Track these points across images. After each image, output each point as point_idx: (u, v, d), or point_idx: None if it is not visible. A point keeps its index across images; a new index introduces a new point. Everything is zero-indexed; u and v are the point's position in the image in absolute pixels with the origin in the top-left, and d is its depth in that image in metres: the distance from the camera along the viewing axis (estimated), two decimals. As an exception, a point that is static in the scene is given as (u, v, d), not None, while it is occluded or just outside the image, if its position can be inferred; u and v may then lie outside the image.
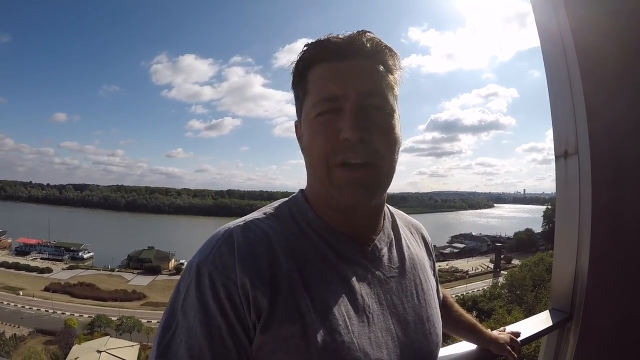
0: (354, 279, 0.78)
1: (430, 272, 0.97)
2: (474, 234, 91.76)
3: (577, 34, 1.45)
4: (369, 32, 0.77)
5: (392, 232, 0.91)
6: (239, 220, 0.78)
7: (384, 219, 0.90)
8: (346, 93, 0.72)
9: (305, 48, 0.78)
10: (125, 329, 31.94)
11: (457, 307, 1.25)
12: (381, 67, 0.77)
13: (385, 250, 0.86)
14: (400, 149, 0.79)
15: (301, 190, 0.87)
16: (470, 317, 1.28)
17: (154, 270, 59.51)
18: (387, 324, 0.79)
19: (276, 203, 0.86)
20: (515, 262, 58.69)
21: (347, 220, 0.80)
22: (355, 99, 0.72)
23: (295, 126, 0.85)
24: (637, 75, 1.51)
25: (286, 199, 0.87)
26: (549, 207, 78.80)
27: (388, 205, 0.94)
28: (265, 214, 0.81)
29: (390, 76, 0.78)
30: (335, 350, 0.69)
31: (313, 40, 0.78)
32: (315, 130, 0.75)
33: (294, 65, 0.80)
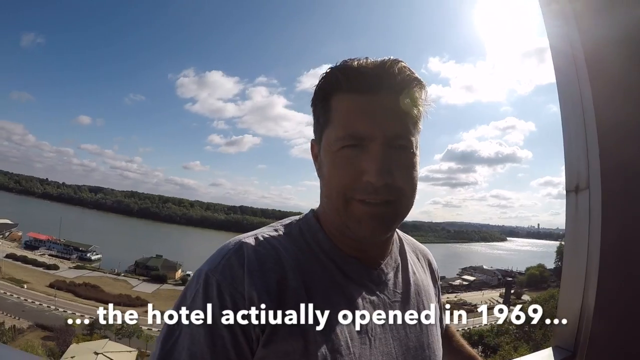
0: (359, 300, 0.78)
1: (434, 299, 0.97)
2: (485, 267, 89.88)
3: (592, 68, 1.45)
4: (401, 61, 0.75)
5: (399, 257, 0.91)
6: (250, 234, 0.79)
7: (393, 244, 0.90)
8: (373, 133, 0.71)
9: (330, 71, 0.76)
10: (125, 333, 31.84)
11: (458, 337, 1.23)
12: (408, 101, 0.75)
13: (391, 274, 0.87)
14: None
15: (312, 210, 0.87)
16: (471, 350, 1.25)
17: (160, 279, 59.59)
18: (389, 348, 0.79)
19: (287, 220, 0.86)
20: (526, 297, 57.39)
21: (357, 245, 0.80)
22: (382, 141, 0.71)
23: (312, 145, 0.84)
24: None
25: (297, 217, 0.87)
26: (562, 243, 76.90)
27: (397, 230, 0.93)
28: (276, 230, 0.81)
29: (416, 110, 0.76)
30: None
31: (339, 63, 0.76)
32: (337, 164, 0.74)
33: (317, 87, 0.78)
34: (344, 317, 0.75)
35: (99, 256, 70.06)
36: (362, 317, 0.77)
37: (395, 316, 0.83)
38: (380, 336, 0.78)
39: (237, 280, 0.69)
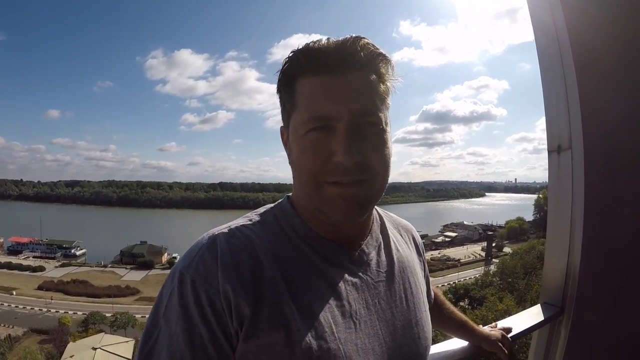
0: (340, 284, 0.76)
1: (420, 275, 0.96)
2: (465, 222, 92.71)
3: (572, 28, 1.44)
4: (363, 37, 0.72)
5: (380, 236, 0.89)
6: (224, 226, 0.77)
7: (373, 222, 0.88)
8: (338, 113, 0.69)
9: (292, 55, 0.74)
10: (119, 324, 31.88)
11: (448, 304, 1.25)
12: (374, 77, 0.73)
13: (373, 254, 0.85)
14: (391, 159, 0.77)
15: (287, 196, 0.85)
16: (461, 315, 1.29)
17: (147, 265, 59.48)
18: (375, 330, 0.77)
19: (262, 209, 0.84)
20: (507, 250, 59.49)
21: (334, 228, 0.78)
22: (349, 119, 0.69)
23: (282, 132, 0.82)
24: (632, 69, 1.50)
25: (272, 205, 0.85)
26: (540, 196, 79.54)
27: (376, 208, 0.92)
28: (250, 220, 0.79)
29: (383, 86, 0.74)
30: (320, 357, 0.68)
31: (301, 47, 0.74)
32: (305, 148, 0.72)
33: (280, 72, 0.76)
34: (327, 302, 0.73)
35: (83, 251, 69.21)
36: (346, 301, 0.75)
37: (379, 296, 0.81)
38: (365, 319, 0.77)
39: (211, 276, 0.67)
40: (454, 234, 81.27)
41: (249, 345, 0.66)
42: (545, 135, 1.69)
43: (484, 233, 75.53)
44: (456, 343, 1.30)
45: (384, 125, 0.73)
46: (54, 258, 64.29)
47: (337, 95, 0.70)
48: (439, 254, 64.16)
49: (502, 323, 1.44)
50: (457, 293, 30.15)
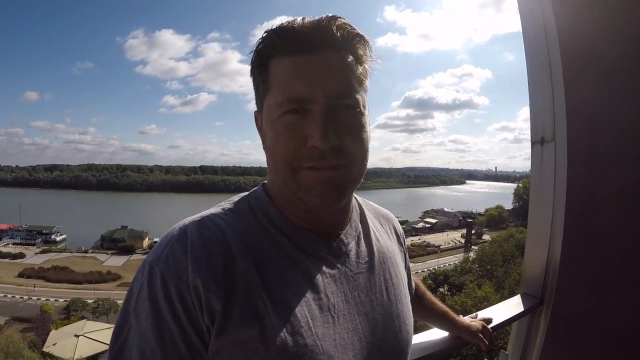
0: (318, 276, 0.73)
1: (401, 265, 0.94)
2: (446, 209, 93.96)
3: (560, 19, 1.42)
4: (339, 17, 0.69)
5: (360, 225, 0.86)
6: (196, 216, 0.73)
7: (352, 211, 0.85)
8: (314, 95, 0.66)
9: (265, 35, 0.70)
10: (101, 311, 31.45)
11: (429, 295, 1.25)
12: (351, 58, 0.70)
13: (352, 244, 0.82)
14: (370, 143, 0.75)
15: (262, 184, 0.82)
16: (442, 305, 1.28)
17: (128, 250, 58.77)
18: (354, 324, 0.75)
19: (236, 198, 0.81)
20: (486, 237, 60.60)
21: (312, 217, 0.75)
22: (324, 102, 0.66)
23: (255, 117, 0.78)
24: (619, 63, 1.49)
25: (246, 193, 0.82)
26: (520, 185, 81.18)
27: (356, 197, 0.89)
28: (223, 209, 0.76)
29: (361, 68, 0.72)
30: (296, 353, 0.65)
31: (275, 27, 0.70)
32: (279, 132, 0.69)
33: (253, 53, 0.73)
34: (303, 295, 0.70)
35: (63, 236, 67.97)
36: (323, 294, 0.72)
37: (359, 289, 0.78)
38: (344, 312, 0.74)
39: (181, 269, 0.64)
40: (434, 221, 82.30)
41: (222, 341, 0.63)
42: (527, 126, 1.70)
43: (464, 220, 76.86)
44: (437, 333, 1.30)
45: (361, 108, 0.71)
46: (34, 244, 62.96)
47: (312, 76, 0.66)
48: (419, 239, 65.00)
49: (483, 313, 1.44)
50: (437, 279, 30.60)
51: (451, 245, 64.57)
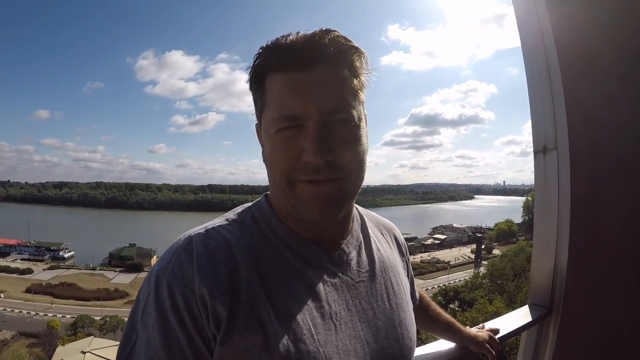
0: (320, 285, 0.74)
1: (403, 274, 0.95)
2: (455, 225, 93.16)
3: (558, 30, 1.44)
4: (333, 31, 0.69)
5: (361, 235, 0.88)
6: (201, 227, 0.75)
7: (353, 221, 0.86)
8: (307, 111, 0.67)
9: (260, 51, 0.71)
10: (108, 328, 31.52)
11: (434, 306, 1.24)
12: (346, 72, 0.70)
13: (354, 253, 0.83)
14: (368, 156, 0.75)
15: (265, 195, 0.83)
16: (448, 316, 1.27)
17: (136, 268, 58.69)
18: (356, 331, 0.76)
19: (239, 208, 0.82)
20: (496, 252, 59.94)
21: (313, 227, 0.77)
22: (318, 118, 0.67)
23: (257, 129, 0.80)
24: (617, 70, 1.51)
25: (250, 204, 0.83)
26: (529, 198, 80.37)
27: (357, 207, 0.90)
28: (227, 220, 0.78)
29: (356, 81, 0.72)
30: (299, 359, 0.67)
31: (269, 42, 0.71)
32: (276, 146, 0.70)
33: (250, 70, 0.74)
34: (305, 304, 0.71)
35: (71, 253, 68.34)
36: (325, 302, 0.73)
37: (360, 297, 0.79)
38: (346, 319, 0.75)
39: (187, 278, 0.65)
40: (443, 237, 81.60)
41: (226, 348, 0.64)
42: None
43: (473, 235, 76.18)
44: (443, 344, 1.29)
45: (356, 121, 0.71)
46: (42, 260, 63.46)
47: (304, 93, 0.67)
48: (428, 256, 64.45)
49: (490, 324, 1.43)
50: (447, 295, 30.16)
51: (461, 260, 63.74)
